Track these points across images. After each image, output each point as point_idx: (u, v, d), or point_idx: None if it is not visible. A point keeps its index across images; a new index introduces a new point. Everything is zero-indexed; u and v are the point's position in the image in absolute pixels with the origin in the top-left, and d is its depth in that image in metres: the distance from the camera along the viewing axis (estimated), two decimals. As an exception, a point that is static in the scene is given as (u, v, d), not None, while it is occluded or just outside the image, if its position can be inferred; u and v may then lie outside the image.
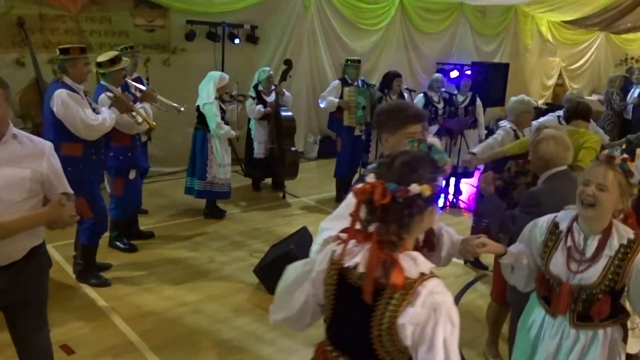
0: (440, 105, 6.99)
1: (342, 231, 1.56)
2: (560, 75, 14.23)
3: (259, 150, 6.81)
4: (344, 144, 6.66)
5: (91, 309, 3.96)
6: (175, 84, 7.05)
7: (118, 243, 4.97)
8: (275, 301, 1.82)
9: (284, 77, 6.69)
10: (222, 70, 7.71)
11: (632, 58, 15.07)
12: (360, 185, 1.49)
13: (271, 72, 6.79)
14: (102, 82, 4.58)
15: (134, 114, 4.51)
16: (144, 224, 5.52)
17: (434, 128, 6.77)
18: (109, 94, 4.38)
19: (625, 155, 2.15)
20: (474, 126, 7.08)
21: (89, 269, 4.33)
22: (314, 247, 2.07)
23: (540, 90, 13.54)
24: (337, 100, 6.53)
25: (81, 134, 4.01)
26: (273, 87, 6.70)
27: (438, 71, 10.76)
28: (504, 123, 4.76)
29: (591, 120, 5.15)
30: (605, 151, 2.18)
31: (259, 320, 3.87)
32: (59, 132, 3.95)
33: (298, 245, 4.29)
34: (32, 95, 5.95)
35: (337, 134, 6.84)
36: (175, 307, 4.03)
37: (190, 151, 5.85)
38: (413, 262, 1.50)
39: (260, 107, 6.66)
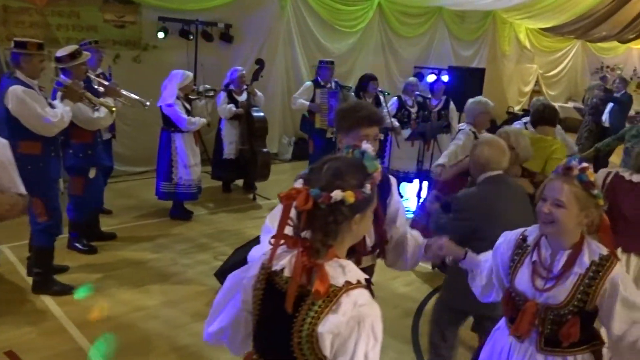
0: (414, 110, 6.94)
1: (273, 236, 1.47)
2: (537, 82, 14.37)
3: (229, 150, 6.68)
4: (315, 147, 6.57)
5: (42, 313, 3.80)
6: (146, 82, 6.84)
7: (77, 244, 4.80)
8: (210, 312, 1.70)
9: (255, 77, 6.58)
10: (195, 69, 7.61)
11: (607, 67, 15.28)
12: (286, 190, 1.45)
13: (243, 72, 6.67)
14: (62, 78, 4.42)
15: (90, 102, 4.35)
16: (107, 224, 5.35)
17: (407, 132, 6.72)
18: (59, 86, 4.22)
19: (583, 165, 1.97)
20: (447, 131, 7.03)
21: (48, 277, 4.09)
22: (253, 251, 1.97)
23: (517, 96, 13.64)
24: (307, 103, 6.44)
25: (39, 131, 3.83)
26: (245, 87, 6.58)
27: (415, 75, 10.77)
28: (462, 126, 4.71)
29: (558, 126, 5.13)
30: (563, 161, 2.04)
31: (218, 326, 3.75)
32: (15, 130, 3.75)
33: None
34: (-7, 90, 5.74)
35: (309, 136, 6.74)
36: (131, 311, 3.89)
37: (158, 151, 5.72)
38: (341, 270, 1.43)
39: (231, 106, 6.54)
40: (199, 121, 5.56)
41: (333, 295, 1.39)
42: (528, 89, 14.09)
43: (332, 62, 6.67)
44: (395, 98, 6.93)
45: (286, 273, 1.47)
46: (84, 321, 3.71)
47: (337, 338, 1.37)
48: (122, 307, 3.95)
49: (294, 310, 1.41)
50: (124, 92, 4.93)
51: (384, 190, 2.28)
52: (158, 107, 5.59)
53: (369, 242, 2.26)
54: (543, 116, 4.07)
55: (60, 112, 3.96)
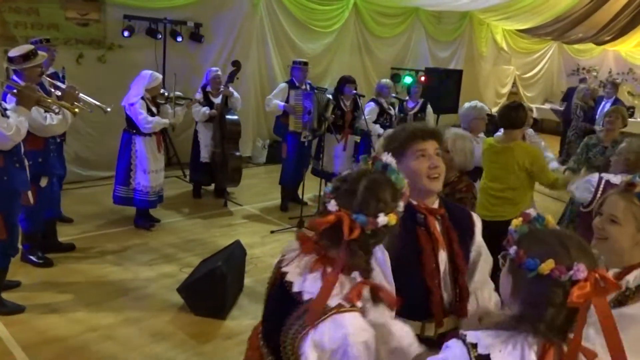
0: (393, 112, 6.76)
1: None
2: (514, 83, 14.34)
3: (204, 153, 6.43)
4: (289, 150, 6.33)
5: (-14, 335, 3.49)
6: (112, 83, 6.53)
7: (31, 257, 4.48)
8: None
9: (231, 78, 6.32)
10: (164, 70, 7.32)
11: (583, 68, 15.34)
12: (320, 216, 1.44)
13: (218, 72, 6.41)
14: (15, 78, 4.11)
15: (48, 105, 4.04)
16: (66, 234, 5.04)
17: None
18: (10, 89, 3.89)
19: None
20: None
21: None
22: None
23: (494, 97, 13.58)
24: (282, 104, 6.20)
25: None
26: (222, 89, 6.32)
27: (392, 76, 10.62)
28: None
29: (531, 130, 4.97)
30: (627, 178, 1.87)
31: (179, 346, 3.50)
32: None
33: (227, 261, 3.93)
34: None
35: (283, 139, 6.50)
36: (85, 332, 3.60)
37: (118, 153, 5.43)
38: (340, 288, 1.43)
39: (206, 109, 6.29)
40: (159, 122, 5.24)
41: (322, 313, 1.37)
42: (505, 90, 14.04)
43: (305, 63, 6.44)
44: (372, 102, 6.72)
45: (288, 277, 1.49)
46: (31, 343, 3.41)
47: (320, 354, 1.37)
48: (75, 326, 3.66)
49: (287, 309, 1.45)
50: (83, 97, 4.61)
51: (463, 230, 2.01)
52: (123, 109, 5.29)
53: (446, 297, 1.95)
54: (508, 118, 3.84)
55: (14, 124, 3.63)
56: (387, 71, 10.50)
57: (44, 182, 4.28)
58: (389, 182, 1.46)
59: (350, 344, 1.36)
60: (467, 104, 4.58)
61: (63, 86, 4.58)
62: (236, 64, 6.29)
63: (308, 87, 6.38)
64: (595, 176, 3.27)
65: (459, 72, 9.50)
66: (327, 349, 1.37)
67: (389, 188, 1.45)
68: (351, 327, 1.37)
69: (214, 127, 6.34)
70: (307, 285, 1.45)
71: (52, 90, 4.47)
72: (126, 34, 6.87)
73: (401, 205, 1.45)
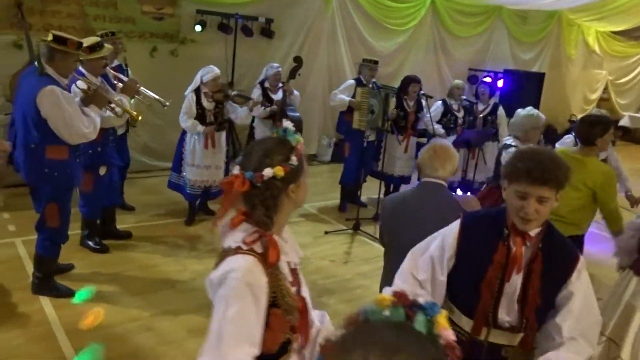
0: (460, 114, 6.42)
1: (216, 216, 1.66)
2: (605, 89, 13.33)
3: (261, 149, 6.41)
4: (351, 149, 6.17)
5: (35, 316, 3.62)
6: (182, 76, 6.63)
7: (89, 242, 4.64)
8: None
9: (292, 75, 6.24)
10: (233, 65, 7.39)
11: (686, 75, 13.99)
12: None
13: (279, 69, 6.35)
14: (81, 69, 4.24)
15: (112, 105, 4.15)
16: (126, 222, 5.19)
17: (452, 138, 6.22)
18: (80, 85, 4.00)
19: None
20: (494, 139, 6.47)
21: (48, 280, 3.90)
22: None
23: (582, 104, 12.68)
24: (347, 99, 6.05)
25: (66, 139, 3.62)
26: (280, 85, 6.27)
27: (470, 77, 10.17)
28: (508, 140, 4.18)
29: (612, 150, 4.49)
30: None
31: (215, 345, 3.45)
32: (43, 133, 3.55)
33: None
34: (24, 80, 5.69)
35: (345, 138, 6.35)
36: (126, 321, 3.64)
37: None
38: (240, 235, 1.60)
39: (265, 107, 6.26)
40: (193, 126, 5.22)
41: (223, 255, 1.59)
42: (595, 96, 13.07)
43: (375, 62, 6.24)
44: (439, 102, 6.43)
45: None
46: (74, 329, 3.47)
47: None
48: (118, 315, 3.72)
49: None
50: (143, 90, 4.70)
51: (556, 266, 1.96)
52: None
53: (505, 317, 1.98)
54: (580, 132, 3.50)
55: (94, 121, 3.75)
56: (464, 72, 10.05)
57: (102, 171, 4.40)
58: (283, 141, 1.64)
59: (230, 279, 1.51)
60: (522, 111, 4.19)
61: (125, 79, 4.67)
62: (298, 60, 6.20)
63: (374, 86, 6.18)
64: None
65: (541, 75, 8.91)
66: (214, 284, 1.56)
67: (281, 147, 1.63)
68: (237, 266, 1.52)
69: (275, 124, 6.29)
70: (229, 239, 1.62)
71: (115, 82, 4.58)
72: (198, 28, 6.98)
73: (294, 159, 1.60)
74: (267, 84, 6.34)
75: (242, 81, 7.58)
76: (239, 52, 7.40)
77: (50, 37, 3.59)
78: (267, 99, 6.31)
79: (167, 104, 4.82)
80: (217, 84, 5.39)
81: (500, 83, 8.75)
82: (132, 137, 6.59)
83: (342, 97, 6.07)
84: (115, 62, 5.14)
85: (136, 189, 6.19)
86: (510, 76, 8.61)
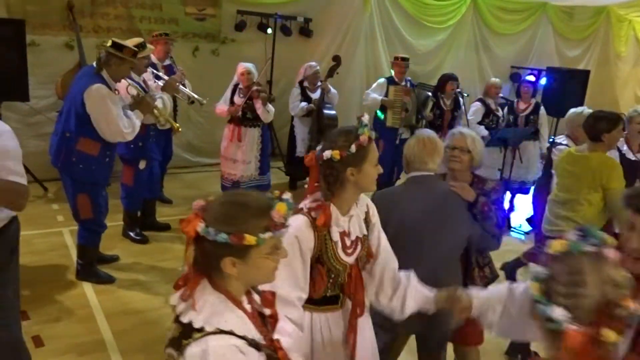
0: (500, 113, 6.36)
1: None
2: (660, 87, 12.80)
3: (300, 148, 6.54)
4: (385, 147, 6.21)
5: (77, 300, 3.84)
6: (224, 75, 6.85)
7: (130, 233, 4.87)
8: None
9: (330, 73, 6.35)
10: (272, 64, 7.53)
11: None
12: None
13: (317, 68, 6.46)
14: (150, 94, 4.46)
15: (156, 113, 4.34)
16: (164, 214, 5.40)
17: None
18: (131, 91, 4.21)
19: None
20: (534, 137, 6.36)
21: (90, 267, 4.14)
22: None
23: (632, 102, 12.20)
24: (380, 97, 6.09)
25: (105, 136, 3.83)
26: (319, 84, 6.37)
27: (512, 75, 10.00)
28: (561, 139, 4.19)
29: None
30: None
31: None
32: (80, 125, 3.78)
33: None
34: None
35: (379, 136, 6.38)
36: (162, 307, 3.82)
37: None
38: (308, 201, 2.04)
39: (304, 104, 6.37)
40: (218, 106, 5.50)
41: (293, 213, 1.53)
42: (647, 94, 12.59)
43: (405, 59, 6.25)
44: (478, 102, 6.37)
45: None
46: (114, 312, 3.70)
47: None
48: (155, 301, 3.91)
49: None
50: (182, 89, 4.90)
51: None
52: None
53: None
54: (586, 127, 3.46)
55: (133, 124, 3.96)
56: (506, 70, 9.90)
57: (142, 165, 4.61)
58: (349, 131, 1.95)
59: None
60: (572, 110, 4.23)
61: (166, 77, 4.87)
62: (336, 59, 6.30)
63: (408, 84, 6.20)
64: None
65: (586, 73, 8.60)
66: None
67: (347, 135, 1.93)
68: (293, 222, 1.63)
69: (312, 121, 6.41)
70: (302, 202, 2.03)
71: (156, 81, 4.79)
72: (239, 28, 7.16)
73: (353, 147, 1.90)
74: (306, 83, 6.46)
75: (281, 80, 7.73)
76: (278, 52, 7.54)
77: (109, 43, 3.82)
78: (305, 98, 6.42)
79: (205, 101, 5.01)
80: (248, 78, 5.51)
81: (543, 81, 8.54)
82: (176, 134, 6.85)
83: (375, 96, 6.12)
84: (167, 62, 5.34)
85: (177, 184, 6.43)
86: (553, 74, 8.39)
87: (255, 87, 5.43)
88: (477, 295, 1.98)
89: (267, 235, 1.36)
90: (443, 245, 2.48)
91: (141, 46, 4.46)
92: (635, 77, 12.11)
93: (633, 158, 4.37)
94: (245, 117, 5.52)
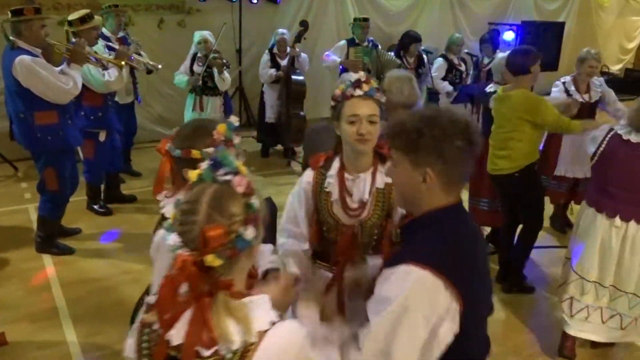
0: (463, 68, 6.33)
1: None
2: (647, 37, 12.61)
3: (270, 114, 6.56)
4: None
5: (37, 271, 3.94)
6: (191, 46, 6.87)
7: (94, 206, 4.94)
8: None
9: (298, 39, 6.30)
10: (240, 32, 7.49)
11: None
12: None
13: (284, 35, 6.42)
14: (81, 41, 4.46)
15: (92, 58, 4.35)
16: (133, 187, 5.47)
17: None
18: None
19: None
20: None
21: (50, 240, 4.21)
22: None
23: (617, 54, 12.09)
24: (338, 59, 6.07)
25: (53, 100, 3.85)
26: (288, 50, 6.34)
27: (490, 32, 9.83)
28: (490, 87, 4.19)
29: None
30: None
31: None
32: (28, 102, 3.80)
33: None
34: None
35: (345, 99, 6.38)
36: (119, 274, 3.92)
37: None
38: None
39: (272, 70, 6.35)
40: (177, 79, 5.56)
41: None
42: (633, 45, 12.39)
43: (366, 19, 6.20)
44: (440, 58, 6.33)
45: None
46: (70, 282, 3.80)
47: None
48: (112, 269, 4.01)
49: None
50: (136, 57, 4.89)
51: None
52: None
53: None
54: (511, 62, 3.58)
55: (71, 78, 3.97)
56: (483, 27, 9.74)
57: (102, 136, 4.65)
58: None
59: None
60: (500, 54, 4.23)
61: (117, 46, 4.86)
62: (304, 24, 6.25)
63: (370, 44, 6.15)
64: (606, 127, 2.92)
65: (560, 25, 8.56)
66: None
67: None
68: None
69: (280, 88, 6.39)
70: None
71: (108, 51, 4.79)
72: (202, -3, 7.10)
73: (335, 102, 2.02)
74: (275, 50, 6.44)
75: (251, 49, 7.69)
76: (246, 20, 7.49)
77: (9, 15, 3.80)
78: (275, 65, 6.40)
79: (159, 67, 5.02)
80: (207, 46, 5.52)
81: (507, 35, 8.47)
82: (145, 107, 6.86)
83: (334, 57, 6.09)
84: (120, 34, 5.32)
85: (147, 157, 6.45)
86: (526, 28, 8.32)
87: (212, 55, 5.42)
88: None
89: (210, 149, 1.48)
90: None
91: (88, 17, 4.48)
92: (620, 28, 11.93)
93: (580, 99, 4.39)
94: (206, 86, 5.53)
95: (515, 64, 3.53)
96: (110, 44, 4.90)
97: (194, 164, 1.48)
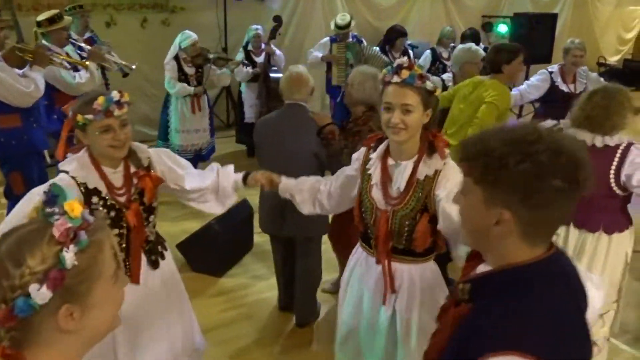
0: (450, 63, 6.18)
1: None
2: (646, 27, 12.42)
3: (249, 114, 6.44)
4: (335, 107, 6.09)
5: None
6: (176, 45, 6.77)
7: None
8: None
9: (272, 35, 6.18)
10: (225, 30, 7.38)
11: None
12: None
13: (257, 30, 6.29)
14: (44, 42, 4.37)
15: (59, 61, 4.23)
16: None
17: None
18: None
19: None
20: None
21: None
22: None
23: (616, 44, 11.91)
24: (320, 55, 5.95)
25: (13, 103, 3.72)
26: (263, 47, 6.22)
27: (484, 25, 9.71)
28: (448, 77, 4.15)
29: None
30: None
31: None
32: None
33: (224, 219, 3.89)
34: None
35: (330, 96, 6.27)
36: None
37: None
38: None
39: (248, 68, 6.24)
40: (183, 89, 5.29)
41: None
42: (631, 35, 12.23)
43: (344, 27, 5.99)
44: (428, 51, 6.22)
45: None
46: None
47: None
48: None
49: None
50: (108, 56, 4.78)
51: None
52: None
53: None
54: (488, 60, 3.61)
55: (32, 81, 3.88)
56: (477, 20, 9.62)
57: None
58: None
59: None
60: (460, 46, 4.19)
61: (88, 47, 4.75)
62: (277, 19, 6.12)
63: (355, 39, 6.02)
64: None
65: (553, 16, 8.37)
66: None
67: None
68: None
69: (259, 86, 6.27)
70: None
71: (79, 52, 4.69)
72: (185, -5, 6.99)
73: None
74: (250, 47, 6.32)
75: (237, 47, 7.56)
76: (231, 18, 7.37)
77: None
78: (250, 62, 6.29)
79: (133, 67, 4.91)
80: (196, 48, 5.42)
81: (501, 28, 8.32)
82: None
83: (316, 53, 5.97)
84: (87, 35, 5.22)
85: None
86: (518, 20, 8.14)
87: (214, 55, 5.44)
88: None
89: (89, 116, 1.96)
90: (299, 155, 2.94)
91: (57, 17, 4.38)
92: (618, 18, 11.75)
93: (566, 90, 4.30)
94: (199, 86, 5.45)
95: (489, 61, 3.50)
96: (79, 44, 4.79)
97: (82, 128, 2.01)
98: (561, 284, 1.13)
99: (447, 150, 1.95)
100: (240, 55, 6.24)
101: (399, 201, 1.97)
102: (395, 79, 1.85)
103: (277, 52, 6.19)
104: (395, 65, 1.87)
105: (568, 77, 4.41)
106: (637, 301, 3.66)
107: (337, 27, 5.95)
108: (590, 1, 10.83)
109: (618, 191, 2.59)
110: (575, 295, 1.15)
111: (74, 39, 4.82)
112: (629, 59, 12.04)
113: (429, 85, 1.88)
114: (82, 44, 4.78)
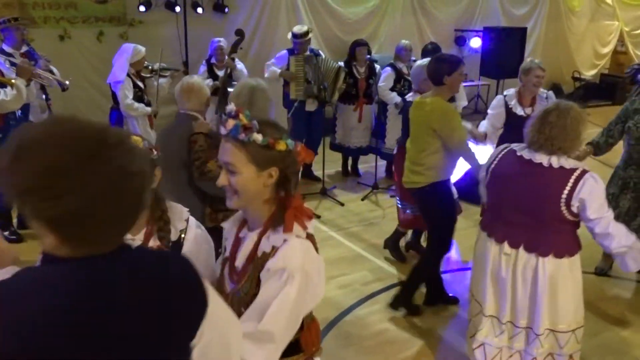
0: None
1: None
2: (622, 41, 12.36)
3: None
4: (293, 122, 5.89)
5: None
6: (136, 59, 6.55)
7: (4, 233, 4.56)
8: None
9: (234, 49, 5.98)
10: (186, 43, 7.18)
11: None
12: None
13: (220, 43, 6.11)
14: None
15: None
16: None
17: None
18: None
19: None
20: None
21: None
22: None
23: (592, 59, 11.83)
24: (278, 70, 5.76)
25: None
26: (225, 60, 6.02)
27: (457, 39, 9.59)
28: (409, 96, 3.95)
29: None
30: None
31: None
32: None
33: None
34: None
35: (288, 111, 6.07)
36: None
37: None
38: None
39: (209, 81, 6.03)
40: (143, 110, 5.13)
41: None
42: (607, 49, 12.16)
43: (304, 34, 5.82)
44: (388, 67, 6.02)
45: None
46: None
47: None
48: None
49: None
50: (40, 72, 4.55)
51: None
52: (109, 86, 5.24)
53: None
54: (428, 71, 3.40)
55: (18, 88, 3.75)
56: (449, 34, 9.50)
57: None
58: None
59: None
60: (418, 62, 3.98)
61: (17, 61, 4.51)
62: (239, 33, 5.92)
63: (312, 53, 5.84)
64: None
65: (522, 30, 8.29)
66: None
67: None
68: None
69: (219, 100, 6.06)
70: None
71: (9, 66, 4.45)
72: (142, 8, 6.77)
73: None
74: (213, 60, 6.14)
75: (200, 60, 7.35)
76: (192, 30, 7.17)
77: None
78: (212, 75, 6.10)
79: (67, 82, 4.69)
80: (142, 61, 5.25)
81: (474, 42, 8.20)
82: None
83: (273, 68, 5.78)
84: (24, 48, 4.97)
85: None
86: (488, 34, 8.04)
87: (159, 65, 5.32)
88: None
89: None
90: (172, 164, 2.90)
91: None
92: (593, 33, 11.69)
93: (521, 113, 4.08)
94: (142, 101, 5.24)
95: (430, 73, 3.32)
96: (12, 59, 4.54)
97: None
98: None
99: (306, 223, 1.54)
100: (202, 68, 6.07)
101: (236, 281, 1.58)
102: (222, 131, 1.48)
103: (239, 66, 6.01)
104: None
105: (526, 99, 4.18)
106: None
107: (294, 35, 5.77)
108: (564, 15, 10.75)
109: (568, 216, 2.43)
110: None
111: (8, 53, 4.59)
112: (605, 73, 11.98)
113: (258, 138, 1.46)
114: (15, 59, 4.53)
